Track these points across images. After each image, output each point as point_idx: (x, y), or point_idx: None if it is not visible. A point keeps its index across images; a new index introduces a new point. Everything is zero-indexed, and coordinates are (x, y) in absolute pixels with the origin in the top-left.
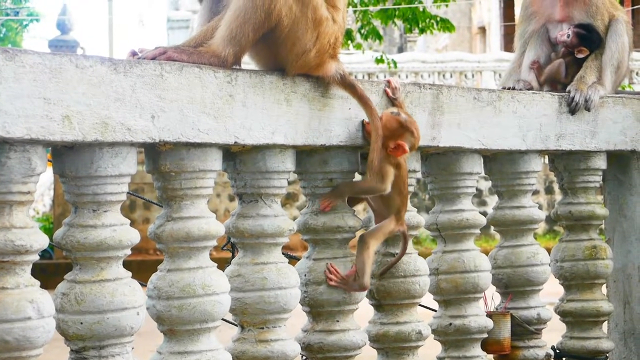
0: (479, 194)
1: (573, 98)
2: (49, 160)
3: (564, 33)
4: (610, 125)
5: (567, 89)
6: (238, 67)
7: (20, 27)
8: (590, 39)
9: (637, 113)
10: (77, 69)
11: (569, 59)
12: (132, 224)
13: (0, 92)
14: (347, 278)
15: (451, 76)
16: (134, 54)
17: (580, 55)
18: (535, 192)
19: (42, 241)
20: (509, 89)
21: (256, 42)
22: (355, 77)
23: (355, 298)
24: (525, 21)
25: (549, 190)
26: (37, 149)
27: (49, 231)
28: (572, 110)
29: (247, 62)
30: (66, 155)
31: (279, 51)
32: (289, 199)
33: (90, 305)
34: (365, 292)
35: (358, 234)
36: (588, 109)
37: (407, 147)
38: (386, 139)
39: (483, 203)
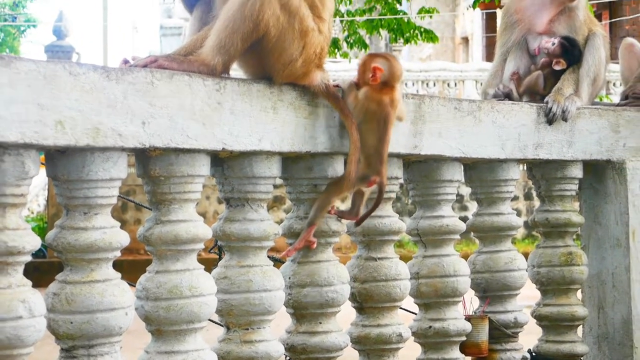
0: (460, 199)
1: (551, 109)
2: (42, 163)
3: (549, 40)
4: (586, 135)
5: (545, 100)
6: (227, 76)
7: (18, 32)
8: (571, 53)
9: (613, 124)
10: (70, 76)
11: (547, 71)
12: (124, 224)
13: None
14: None
15: (434, 85)
16: (126, 61)
17: (557, 67)
18: (515, 198)
19: (34, 243)
20: (493, 95)
21: (244, 51)
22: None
23: (337, 301)
24: (507, 29)
25: (527, 197)
26: (30, 152)
27: (43, 230)
28: (550, 121)
29: (236, 69)
30: (59, 159)
31: (267, 60)
32: (276, 202)
33: (80, 306)
34: (348, 295)
35: (342, 238)
36: (565, 120)
37: (382, 67)
38: (363, 74)
39: (464, 208)
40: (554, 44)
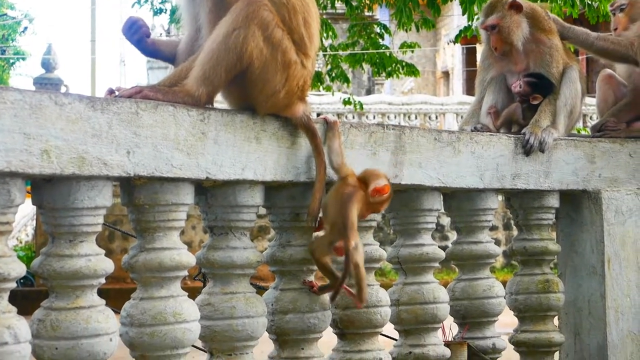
0: (441, 228)
1: (528, 140)
2: (27, 192)
3: (516, 84)
4: (563, 166)
5: (522, 131)
6: (211, 106)
7: (7, 65)
8: (541, 86)
9: (588, 155)
10: (56, 105)
11: (526, 104)
12: (111, 253)
13: None
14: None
15: (416, 117)
16: (111, 92)
17: (535, 102)
18: (494, 228)
19: (19, 269)
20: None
21: (228, 82)
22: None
23: (319, 327)
24: (484, 70)
25: (507, 226)
26: (16, 181)
27: (31, 260)
28: (527, 152)
29: (220, 100)
30: (44, 188)
31: (250, 91)
32: (260, 232)
33: (65, 332)
34: (329, 322)
35: None
36: (542, 151)
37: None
38: (367, 182)
39: (445, 238)
40: (520, 86)
